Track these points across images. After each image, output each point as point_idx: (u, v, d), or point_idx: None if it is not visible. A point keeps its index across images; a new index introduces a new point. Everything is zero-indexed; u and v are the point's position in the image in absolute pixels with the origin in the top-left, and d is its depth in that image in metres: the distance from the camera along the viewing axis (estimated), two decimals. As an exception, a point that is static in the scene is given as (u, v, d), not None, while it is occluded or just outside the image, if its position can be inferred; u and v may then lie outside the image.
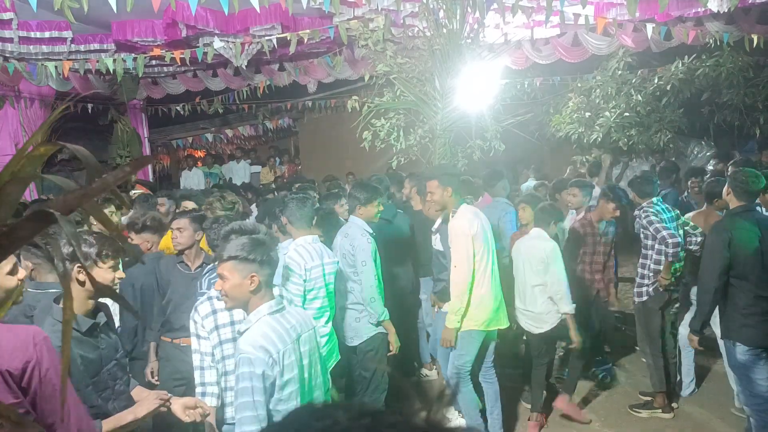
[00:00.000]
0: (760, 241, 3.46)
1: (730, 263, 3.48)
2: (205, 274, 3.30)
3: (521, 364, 4.87)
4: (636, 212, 4.75)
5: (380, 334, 3.89)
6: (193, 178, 12.15)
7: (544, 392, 4.41)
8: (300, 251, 3.40)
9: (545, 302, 4.17)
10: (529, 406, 4.56)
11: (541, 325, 4.25)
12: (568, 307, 4.05)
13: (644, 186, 4.61)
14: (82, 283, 2.17)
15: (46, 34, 6.36)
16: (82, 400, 2.04)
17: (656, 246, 4.43)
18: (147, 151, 11.56)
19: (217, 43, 6.90)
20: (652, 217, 4.40)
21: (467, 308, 3.70)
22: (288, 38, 6.52)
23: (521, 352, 4.95)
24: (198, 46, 6.99)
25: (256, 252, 2.27)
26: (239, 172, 12.70)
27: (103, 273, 2.28)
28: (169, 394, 2.37)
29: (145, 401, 2.25)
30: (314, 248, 3.47)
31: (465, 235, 3.62)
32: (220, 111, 11.67)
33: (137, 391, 2.42)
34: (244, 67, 8.10)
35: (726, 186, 3.73)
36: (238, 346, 2.24)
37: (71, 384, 1.84)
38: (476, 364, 3.88)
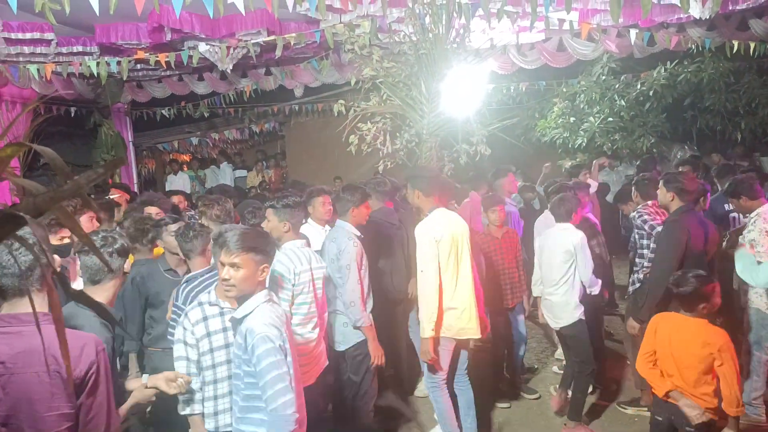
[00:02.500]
0: (705, 237, 3.79)
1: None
2: (182, 285, 3.22)
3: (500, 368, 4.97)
4: (632, 214, 4.87)
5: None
6: (178, 182, 12.05)
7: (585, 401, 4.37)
8: (290, 255, 3.38)
9: (564, 296, 4.27)
10: (505, 406, 4.64)
11: (558, 320, 4.35)
12: (597, 288, 4.31)
13: (649, 188, 4.75)
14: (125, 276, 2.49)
15: (28, 36, 6.25)
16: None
17: (651, 245, 4.58)
18: (132, 155, 11.45)
19: (203, 47, 6.86)
20: (646, 216, 4.63)
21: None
22: (275, 41, 6.50)
23: (498, 356, 4.99)
24: (183, 50, 6.94)
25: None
26: (222, 176, 12.61)
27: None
28: (142, 377, 2.54)
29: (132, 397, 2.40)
30: (303, 253, 3.44)
31: (428, 239, 3.61)
32: (206, 115, 11.60)
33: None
34: (230, 71, 8.06)
35: (664, 190, 3.96)
36: (252, 329, 2.32)
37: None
38: (450, 372, 3.84)
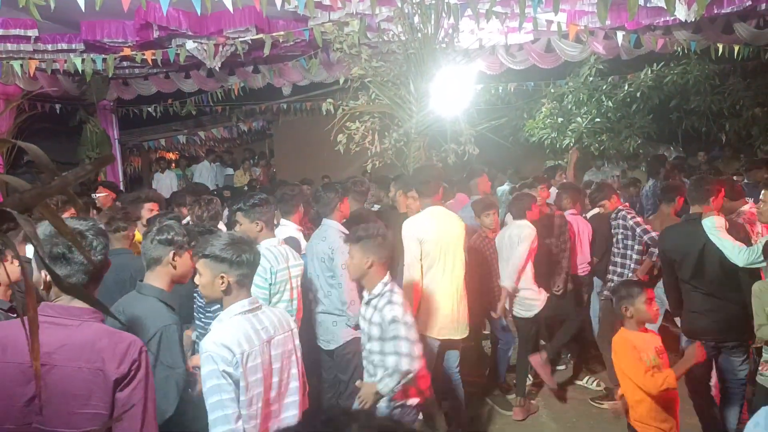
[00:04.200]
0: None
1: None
2: None
3: (487, 367, 4.97)
4: (613, 215, 4.89)
5: (357, 339, 3.85)
6: (165, 181, 11.94)
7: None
8: (266, 254, 3.35)
9: (528, 287, 4.36)
10: (498, 408, 4.63)
11: (529, 310, 4.43)
12: (507, 282, 4.33)
13: (630, 188, 4.78)
14: (174, 267, 2.44)
15: (11, 32, 6.16)
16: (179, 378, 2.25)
17: (636, 246, 4.63)
18: (118, 152, 11.33)
19: (190, 45, 6.80)
20: (638, 219, 4.72)
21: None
22: (263, 39, 6.47)
23: (485, 355, 5.02)
24: (170, 47, 6.88)
25: (227, 251, 2.24)
26: (210, 174, 12.51)
27: (188, 261, 2.47)
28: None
29: None
30: (279, 251, 3.42)
31: (410, 236, 3.66)
32: (194, 113, 11.51)
33: None
34: (218, 69, 8.01)
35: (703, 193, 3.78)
36: (201, 345, 2.21)
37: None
38: (438, 372, 3.83)
